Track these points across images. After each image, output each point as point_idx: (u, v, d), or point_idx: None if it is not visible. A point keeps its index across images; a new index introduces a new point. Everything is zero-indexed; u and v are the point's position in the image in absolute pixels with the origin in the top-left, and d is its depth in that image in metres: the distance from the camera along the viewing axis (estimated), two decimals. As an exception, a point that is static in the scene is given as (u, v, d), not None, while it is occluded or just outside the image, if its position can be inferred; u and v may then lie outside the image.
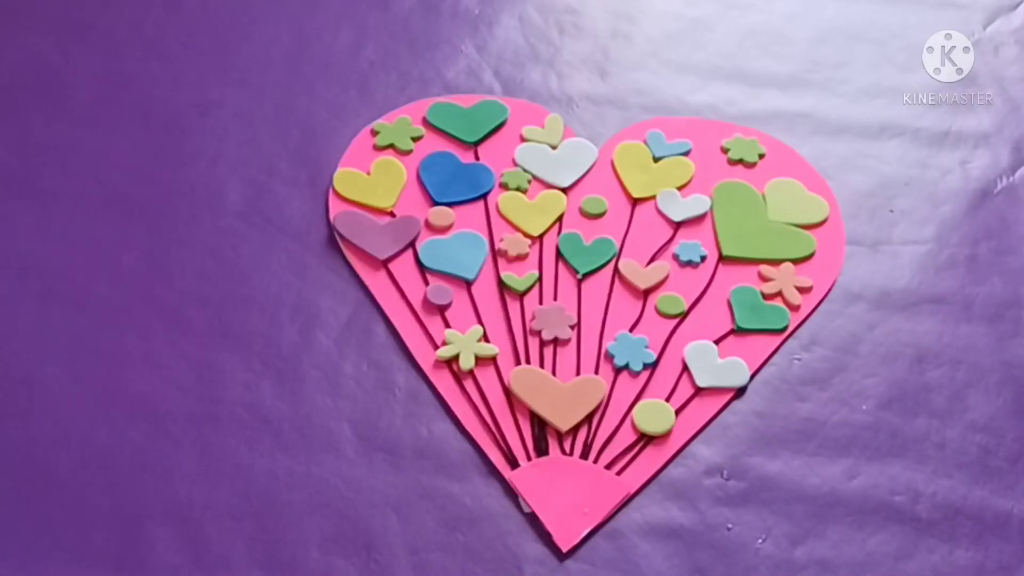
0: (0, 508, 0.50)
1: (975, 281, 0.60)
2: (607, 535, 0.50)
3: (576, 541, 0.50)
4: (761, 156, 0.65)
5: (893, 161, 0.66)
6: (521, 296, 0.58)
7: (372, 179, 0.63)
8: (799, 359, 0.57)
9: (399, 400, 0.55)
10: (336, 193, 0.62)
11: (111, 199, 0.62)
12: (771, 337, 0.57)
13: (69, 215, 0.61)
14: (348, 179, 0.63)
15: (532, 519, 0.51)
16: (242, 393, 0.54)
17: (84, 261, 0.59)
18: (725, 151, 0.65)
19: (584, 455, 0.52)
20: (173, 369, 0.55)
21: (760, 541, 0.50)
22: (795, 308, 0.58)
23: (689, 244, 0.61)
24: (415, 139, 0.65)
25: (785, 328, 0.57)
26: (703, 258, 0.60)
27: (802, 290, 0.59)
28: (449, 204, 0.62)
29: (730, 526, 0.51)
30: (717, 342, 0.57)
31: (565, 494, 0.51)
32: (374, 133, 0.66)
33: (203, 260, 0.60)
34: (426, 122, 0.66)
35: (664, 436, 0.53)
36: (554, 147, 0.65)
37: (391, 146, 0.65)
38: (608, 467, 0.52)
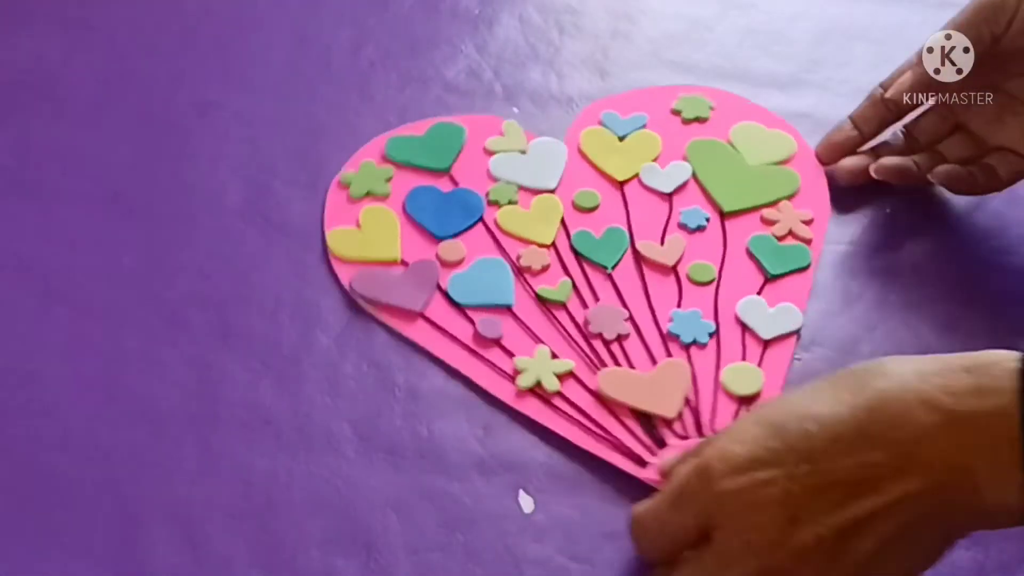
0: (0, 508, 0.50)
1: (975, 281, 0.60)
2: (607, 535, 0.50)
3: None
4: (712, 109, 0.66)
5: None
6: (564, 305, 0.58)
7: (365, 233, 0.61)
8: (799, 359, 0.57)
9: (399, 400, 0.55)
10: (336, 257, 0.60)
11: (111, 199, 0.62)
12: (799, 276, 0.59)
13: (69, 215, 0.61)
14: (342, 239, 0.60)
15: (532, 519, 0.51)
16: (242, 393, 0.54)
17: (84, 261, 0.59)
18: (677, 113, 0.66)
19: (699, 434, 0.53)
20: (173, 369, 0.55)
21: (760, 541, 0.50)
22: (808, 242, 0.60)
23: (689, 211, 0.62)
24: (388, 180, 0.63)
25: (809, 265, 0.59)
26: (708, 220, 0.61)
27: (806, 223, 0.61)
28: (453, 236, 0.61)
29: (730, 526, 0.51)
30: (759, 293, 0.58)
31: None
32: (344, 185, 0.63)
33: (203, 260, 0.60)
34: (388, 159, 0.64)
35: (758, 394, 0.54)
36: (523, 152, 0.65)
37: (368, 194, 0.63)
38: None
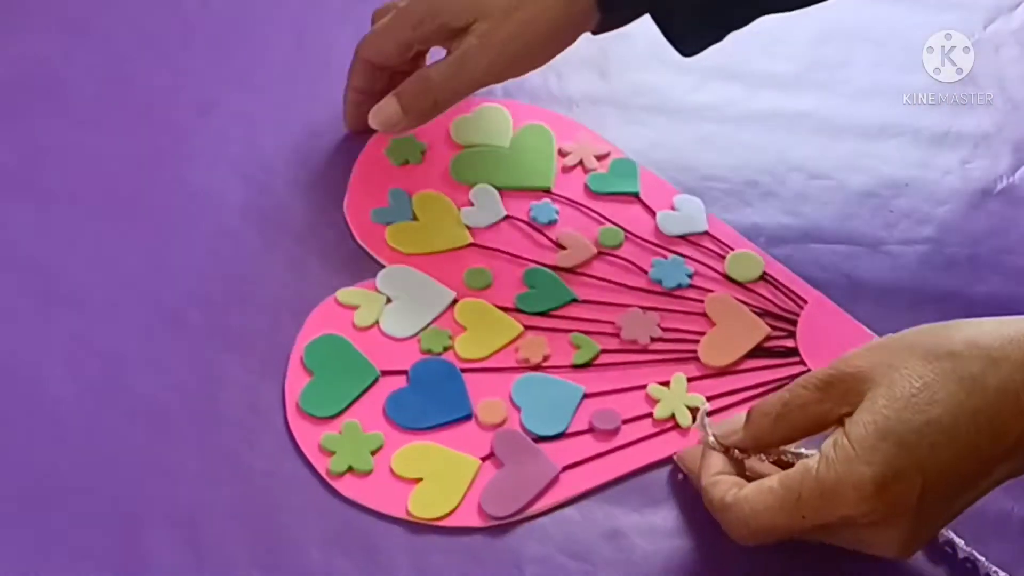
0: (0, 508, 0.50)
1: (975, 281, 0.60)
2: (607, 535, 0.50)
3: None
4: (423, 152, 0.65)
5: (893, 161, 0.66)
6: (607, 353, 0.56)
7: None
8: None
9: (399, 400, 0.55)
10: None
11: (111, 199, 0.62)
12: None
13: (69, 215, 0.61)
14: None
15: (532, 519, 0.51)
16: (242, 393, 0.54)
17: (84, 261, 0.59)
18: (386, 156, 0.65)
19: None
20: (173, 369, 0.55)
21: (760, 541, 0.50)
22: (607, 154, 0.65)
23: (539, 205, 0.62)
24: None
25: (635, 164, 0.64)
26: (557, 210, 0.62)
27: (599, 157, 0.65)
28: (445, 422, 0.54)
29: (730, 526, 0.51)
30: (652, 213, 0.62)
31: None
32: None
33: (203, 260, 0.60)
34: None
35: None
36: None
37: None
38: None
